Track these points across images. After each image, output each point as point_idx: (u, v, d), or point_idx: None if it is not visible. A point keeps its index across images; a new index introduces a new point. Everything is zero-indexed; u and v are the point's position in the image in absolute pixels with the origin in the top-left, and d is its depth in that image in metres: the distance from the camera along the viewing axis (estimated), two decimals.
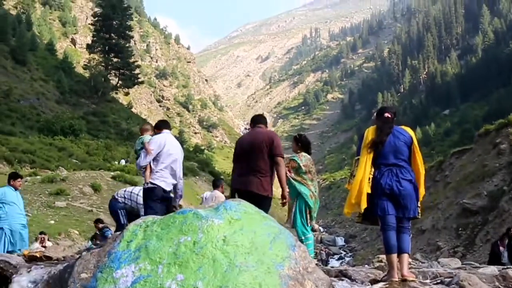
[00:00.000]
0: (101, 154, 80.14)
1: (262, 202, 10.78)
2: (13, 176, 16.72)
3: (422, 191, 9.50)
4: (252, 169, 11.09)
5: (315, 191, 12.51)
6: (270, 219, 8.88)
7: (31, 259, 10.17)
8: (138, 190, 14.15)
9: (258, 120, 12.21)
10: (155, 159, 12.02)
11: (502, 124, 60.58)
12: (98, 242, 20.57)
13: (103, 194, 50.76)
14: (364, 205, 9.20)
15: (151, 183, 11.99)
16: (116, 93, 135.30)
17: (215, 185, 15.15)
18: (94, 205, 45.49)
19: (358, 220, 10.00)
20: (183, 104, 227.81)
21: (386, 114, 9.57)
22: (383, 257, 14.39)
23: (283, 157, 11.40)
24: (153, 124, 14.15)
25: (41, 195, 47.29)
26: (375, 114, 9.95)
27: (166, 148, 11.97)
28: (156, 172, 11.96)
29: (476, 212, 52.15)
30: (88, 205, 46.32)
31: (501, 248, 27.89)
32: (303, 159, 12.50)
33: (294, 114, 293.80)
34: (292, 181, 12.27)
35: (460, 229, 51.74)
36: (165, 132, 12.49)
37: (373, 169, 9.23)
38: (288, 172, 12.23)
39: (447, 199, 56.19)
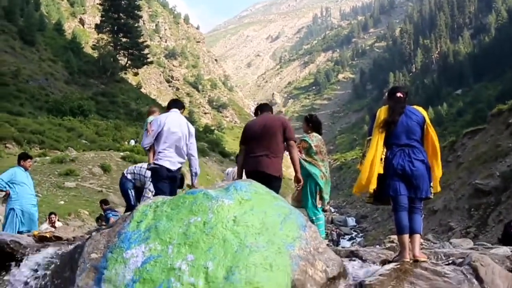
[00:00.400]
0: (111, 135, 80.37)
1: (274, 182, 10.97)
2: (23, 157, 16.78)
3: (439, 170, 9.50)
4: (265, 150, 11.23)
5: (326, 172, 12.52)
6: (280, 200, 8.91)
7: (41, 240, 10.21)
8: (147, 165, 14.15)
9: (265, 108, 12.43)
10: (157, 139, 12.04)
11: None
12: (103, 223, 20.68)
13: (112, 175, 50.93)
14: (373, 186, 9.22)
15: (155, 163, 12.04)
16: (125, 73, 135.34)
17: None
18: (104, 186, 45.61)
19: (369, 200, 10.01)
20: (192, 84, 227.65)
21: (398, 94, 9.57)
22: (394, 237, 14.43)
23: (295, 142, 11.50)
24: (165, 104, 14.12)
25: (50, 175, 47.48)
26: (386, 94, 9.92)
27: (167, 127, 11.95)
28: (160, 152, 11.99)
29: (489, 192, 52.00)
30: (98, 186, 46.46)
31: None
32: (314, 139, 12.50)
33: (304, 94, 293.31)
34: (303, 161, 12.27)
35: (473, 209, 51.66)
36: (172, 111, 12.46)
37: (385, 150, 9.23)
38: (299, 153, 12.24)
39: (460, 180, 56.12)
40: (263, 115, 12.24)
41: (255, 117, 12.15)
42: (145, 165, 15.58)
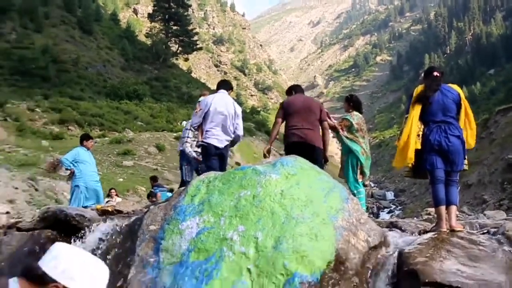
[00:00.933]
0: (164, 117, 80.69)
1: (317, 151, 11.32)
2: (85, 138, 17.01)
3: (473, 142, 9.49)
4: (309, 125, 11.40)
5: (366, 148, 12.53)
6: (324, 174, 8.96)
7: (104, 213, 10.36)
8: (195, 143, 14.12)
9: (299, 89, 12.65)
10: (205, 119, 12.10)
11: None
12: (153, 199, 20.83)
13: (166, 154, 51.37)
14: (411, 160, 9.24)
15: (203, 141, 12.12)
16: (177, 59, 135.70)
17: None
18: (159, 164, 45.92)
19: (407, 174, 10.04)
20: (239, 68, 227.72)
21: (435, 73, 9.56)
22: (431, 210, 14.36)
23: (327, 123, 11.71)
24: (214, 87, 14.16)
25: (109, 155, 47.99)
26: (423, 74, 9.90)
27: (213, 107, 12.00)
28: (207, 131, 12.06)
29: None
30: (153, 164, 46.83)
31: None
32: (355, 118, 12.50)
33: (344, 76, 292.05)
34: (344, 138, 12.31)
35: (505, 183, 51.30)
36: (220, 92, 12.48)
37: (422, 126, 9.23)
38: (340, 130, 12.29)
39: (493, 155, 55.67)
40: (300, 95, 12.44)
41: (289, 96, 12.16)
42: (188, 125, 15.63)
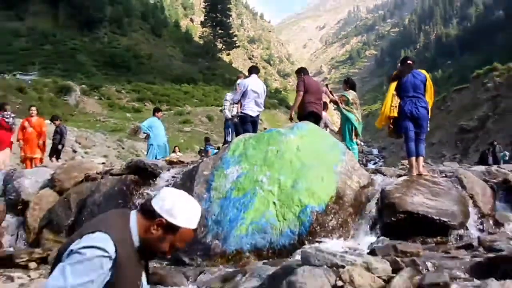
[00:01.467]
0: (212, 96, 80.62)
1: (320, 119, 11.48)
2: (157, 110, 17.04)
3: (430, 110, 9.50)
4: (318, 101, 11.56)
5: (359, 117, 12.51)
6: (328, 135, 9.02)
7: (170, 163, 10.39)
8: (235, 113, 14.08)
9: (306, 71, 12.63)
10: (243, 96, 12.14)
11: (489, 70, 60.21)
12: (202, 154, 21.13)
13: (214, 122, 51.70)
14: (387, 120, 9.47)
15: (242, 112, 12.18)
16: (221, 54, 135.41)
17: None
18: (209, 130, 46.16)
19: (389, 135, 10.02)
20: (266, 60, 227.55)
21: (408, 61, 9.57)
22: (405, 161, 14.28)
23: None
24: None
25: (174, 123, 48.30)
26: (400, 62, 9.86)
27: (250, 88, 12.01)
28: (244, 104, 12.08)
29: (470, 130, 51.81)
30: (205, 129, 47.10)
31: (487, 155, 28.14)
32: (351, 95, 12.45)
33: (342, 65, 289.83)
34: (343, 109, 12.28)
35: (458, 142, 51.47)
36: (253, 76, 12.49)
37: (399, 100, 9.21)
38: (340, 104, 12.27)
39: (449, 122, 55.46)
40: (312, 78, 12.69)
41: (303, 77, 12.20)
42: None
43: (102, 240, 2.40)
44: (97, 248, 2.37)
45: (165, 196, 2.59)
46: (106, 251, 2.38)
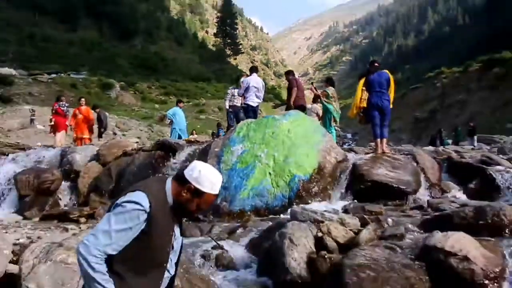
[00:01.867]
0: (223, 91, 79.81)
1: (304, 110, 11.33)
2: (179, 101, 17.04)
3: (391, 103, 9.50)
4: (303, 97, 11.58)
5: (337, 108, 12.47)
6: (313, 120, 8.96)
7: (189, 142, 10.38)
8: (240, 104, 13.96)
9: (293, 72, 12.83)
10: (246, 91, 12.08)
11: (438, 73, 60.39)
12: (215, 136, 21.23)
13: (224, 112, 51.16)
14: (357, 109, 9.46)
15: (245, 103, 12.14)
16: (229, 59, 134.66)
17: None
18: (220, 118, 45.86)
19: (360, 122, 9.99)
20: (265, 64, 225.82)
21: (375, 63, 9.51)
22: (372, 143, 14.28)
23: None
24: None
25: (192, 112, 48.24)
26: (368, 64, 9.78)
27: (251, 84, 11.96)
28: (247, 97, 12.02)
29: (422, 120, 52.04)
30: (217, 118, 46.83)
31: (435, 139, 28.48)
32: (330, 90, 12.40)
33: (324, 68, 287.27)
34: (324, 102, 12.25)
35: (413, 129, 51.44)
36: (253, 74, 12.44)
37: (367, 94, 9.16)
38: (322, 97, 12.25)
39: (407, 114, 55.36)
40: (298, 78, 12.64)
41: (291, 77, 12.27)
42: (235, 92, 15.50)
43: (140, 197, 2.47)
44: (135, 203, 2.45)
45: (194, 167, 2.60)
46: (142, 206, 2.45)
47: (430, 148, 13.42)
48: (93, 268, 2.39)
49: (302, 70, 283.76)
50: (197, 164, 2.65)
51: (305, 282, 4.06)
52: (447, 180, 8.62)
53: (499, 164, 9.00)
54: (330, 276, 3.91)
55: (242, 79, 13.52)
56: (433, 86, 58.07)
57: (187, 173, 2.60)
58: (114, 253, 2.45)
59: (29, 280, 4.23)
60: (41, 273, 4.27)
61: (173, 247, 2.73)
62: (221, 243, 5.27)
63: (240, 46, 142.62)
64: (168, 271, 2.75)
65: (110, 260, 2.46)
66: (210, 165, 2.73)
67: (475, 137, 26.05)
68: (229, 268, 4.77)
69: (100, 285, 2.40)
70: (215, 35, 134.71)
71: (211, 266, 4.80)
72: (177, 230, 2.75)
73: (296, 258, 4.16)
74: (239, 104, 13.74)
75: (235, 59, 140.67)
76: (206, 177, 2.58)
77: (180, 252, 2.88)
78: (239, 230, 5.85)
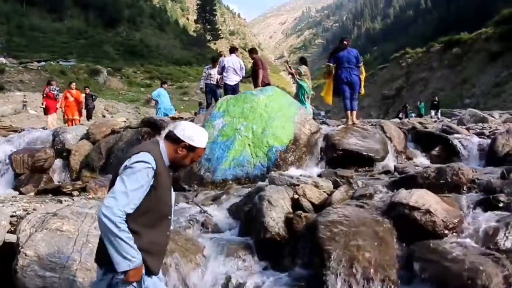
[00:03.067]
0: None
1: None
2: (163, 82, 16.88)
3: (363, 84, 9.47)
4: (267, 73, 11.60)
5: (310, 84, 12.44)
6: (288, 95, 8.92)
7: (173, 119, 10.32)
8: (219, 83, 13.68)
9: (256, 51, 12.88)
10: (223, 70, 11.91)
11: (403, 53, 60.58)
12: (196, 114, 21.14)
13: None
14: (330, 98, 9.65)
15: (224, 82, 12.00)
16: (209, 43, 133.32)
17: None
18: (202, 99, 45.63)
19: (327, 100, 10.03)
20: (243, 48, 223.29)
21: (345, 41, 9.47)
22: (344, 120, 14.39)
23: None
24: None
25: (176, 94, 47.79)
26: (339, 41, 9.76)
27: (227, 65, 11.78)
28: (225, 76, 11.85)
29: (389, 97, 52.29)
30: (199, 99, 46.65)
31: (400, 113, 28.73)
32: (303, 68, 12.35)
33: (298, 51, 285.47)
34: (298, 80, 12.22)
35: (381, 106, 51.77)
36: (232, 55, 12.28)
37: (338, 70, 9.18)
38: (296, 75, 12.19)
39: (375, 91, 55.58)
40: (260, 57, 12.42)
41: (255, 55, 12.19)
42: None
43: (146, 156, 2.61)
44: (143, 162, 2.58)
45: (185, 126, 2.78)
46: (149, 164, 2.59)
47: (396, 120, 13.58)
48: (119, 228, 2.49)
49: (278, 53, 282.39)
50: (186, 124, 2.82)
51: (283, 239, 4.13)
52: (412, 148, 8.74)
53: (458, 133, 9.16)
54: (305, 232, 3.97)
55: (220, 59, 13.35)
56: (398, 66, 58.34)
57: (179, 133, 2.75)
58: (131, 211, 2.56)
59: (26, 248, 4.20)
60: (38, 241, 4.24)
61: (170, 201, 2.88)
62: (205, 208, 5.29)
63: (219, 32, 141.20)
64: (172, 223, 2.92)
65: (126, 219, 2.57)
66: (195, 124, 2.90)
67: (439, 111, 26.44)
68: (214, 231, 4.80)
69: (125, 242, 2.51)
70: (196, 21, 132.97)
71: (197, 229, 4.82)
72: (172, 186, 2.91)
73: (274, 218, 4.20)
74: (214, 82, 13.52)
75: (215, 43, 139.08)
76: (197, 134, 2.76)
77: (173, 206, 3.01)
78: (222, 197, 5.87)
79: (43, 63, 54.56)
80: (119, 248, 2.50)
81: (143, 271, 2.63)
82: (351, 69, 9.00)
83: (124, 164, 2.63)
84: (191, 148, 2.74)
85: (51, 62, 57.24)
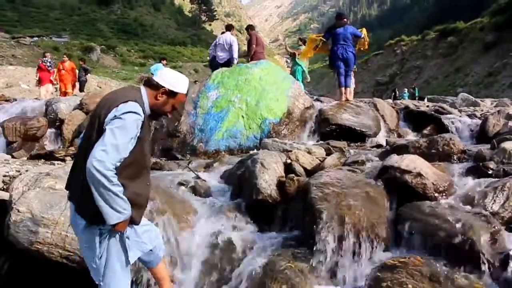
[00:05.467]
0: (198, 54, 79.10)
1: None
2: (162, 59, 17.01)
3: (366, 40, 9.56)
4: (263, 50, 11.73)
5: (307, 65, 12.55)
6: (282, 69, 8.92)
7: None
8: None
9: (253, 28, 12.70)
10: (215, 47, 11.83)
11: (398, 40, 60.38)
12: None
13: (200, 74, 50.92)
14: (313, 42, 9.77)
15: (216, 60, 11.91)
16: (204, 24, 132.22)
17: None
18: (196, 79, 45.53)
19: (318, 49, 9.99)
20: (238, 30, 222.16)
21: (344, 19, 9.45)
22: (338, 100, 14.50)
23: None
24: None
25: None
26: (335, 17, 9.71)
27: (220, 42, 11.69)
28: (216, 54, 11.72)
29: (383, 83, 52.25)
30: (193, 79, 46.37)
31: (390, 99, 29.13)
32: (302, 48, 12.42)
33: (294, 35, 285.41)
34: (297, 59, 12.30)
35: (375, 91, 51.80)
36: (226, 33, 12.15)
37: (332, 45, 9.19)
38: (297, 55, 12.28)
39: (369, 77, 55.80)
40: (257, 33, 12.40)
41: (251, 31, 12.14)
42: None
43: (135, 107, 2.53)
44: (133, 113, 2.50)
45: (164, 73, 2.72)
46: (139, 115, 2.52)
47: (389, 100, 13.65)
48: (111, 182, 2.46)
49: (273, 37, 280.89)
50: (166, 70, 2.77)
51: (274, 201, 4.16)
52: (404, 127, 8.81)
53: (450, 114, 9.23)
54: (297, 194, 4.01)
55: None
56: (393, 53, 58.34)
57: (159, 78, 2.69)
58: (120, 163, 2.50)
59: (19, 204, 4.20)
60: (31, 198, 4.25)
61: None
62: (198, 173, 5.32)
63: (215, 13, 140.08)
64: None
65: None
66: (175, 71, 2.84)
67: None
68: (206, 195, 4.83)
69: (117, 196, 2.49)
70: (191, 1, 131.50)
71: (189, 193, 4.85)
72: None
73: (267, 180, 4.23)
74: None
75: (210, 25, 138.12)
76: (177, 79, 2.71)
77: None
78: (215, 164, 5.90)
79: (35, 38, 53.86)
80: (110, 201, 2.48)
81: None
82: (347, 46, 8.99)
83: (112, 114, 2.51)
84: (171, 94, 2.69)
85: (44, 37, 56.56)
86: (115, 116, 2.49)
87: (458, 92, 37.49)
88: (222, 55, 11.65)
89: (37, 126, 9.37)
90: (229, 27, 12.40)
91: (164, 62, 16.54)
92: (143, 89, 2.70)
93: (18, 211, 4.11)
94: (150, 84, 2.70)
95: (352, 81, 9.43)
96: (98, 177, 2.42)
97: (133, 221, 2.68)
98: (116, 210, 2.50)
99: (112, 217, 2.51)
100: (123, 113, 2.49)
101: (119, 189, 2.49)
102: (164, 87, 2.66)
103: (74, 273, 3.73)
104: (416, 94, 29.72)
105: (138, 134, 2.54)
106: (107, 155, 2.42)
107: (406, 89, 32.12)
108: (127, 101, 2.53)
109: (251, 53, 11.32)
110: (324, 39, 9.44)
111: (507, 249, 2.85)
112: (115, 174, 2.47)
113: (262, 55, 11.43)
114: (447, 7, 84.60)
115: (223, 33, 12.37)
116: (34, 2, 76.86)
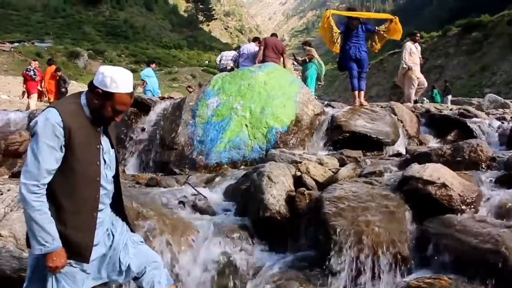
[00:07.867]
0: (195, 58, 79.63)
1: None
2: (150, 62, 17.00)
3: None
4: (276, 54, 11.55)
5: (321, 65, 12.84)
6: (289, 73, 8.98)
7: (162, 98, 10.32)
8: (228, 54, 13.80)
9: (274, 35, 13.23)
10: (241, 57, 12.16)
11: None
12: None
13: (197, 79, 51.12)
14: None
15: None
16: (202, 25, 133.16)
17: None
18: (191, 84, 45.94)
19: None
20: (239, 30, 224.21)
21: (356, 18, 9.45)
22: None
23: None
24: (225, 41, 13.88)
25: (164, 80, 47.89)
26: (347, 9, 9.87)
27: (242, 51, 12.17)
28: (242, 64, 11.90)
29: (400, 86, 51.82)
30: (188, 85, 47.02)
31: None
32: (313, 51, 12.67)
33: (300, 34, 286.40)
34: (316, 62, 12.67)
35: (391, 95, 51.59)
36: (251, 43, 12.47)
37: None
38: (314, 57, 12.70)
39: (385, 79, 55.70)
40: (274, 38, 12.51)
41: (266, 37, 12.35)
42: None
43: (49, 113, 2.48)
44: (45, 120, 2.45)
45: (99, 71, 2.60)
46: (52, 120, 2.44)
47: (408, 105, 13.64)
48: (33, 207, 2.42)
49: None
50: (101, 68, 2.65)
51: (284, 218, 4.15)
52: (425, 133, 8.80)
53: (476, 117, 9.22)
54: (309, 210, 4.01)
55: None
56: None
57: (95, 79, 2.60)
58: (49, 178, 2.45)
59: (1, 228, 4.23)
60: (14, 220, 4.28)
61: (105, 161, 2.73)
62: (199, 189, 5.33)
63: (213, 12, 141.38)
64: (105, 187, 2.75)
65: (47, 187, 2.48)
66: (117, 67, 2.74)
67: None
68: (207, 213, 4.83)
69: (38, 224, 2.44)
70: (187, 0, 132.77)
71: (189, 211, 4.86)
72: (105, 143, 2.76)
73: (275, 195, 4.23)
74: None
75: (208, 25, 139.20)
76: (111, 77, 2.56)
77: (117, 167, 2.90)
78: (216, 179, 5.91)
79: (16, 44, 54.44)
80: (33, 229, 2.45)
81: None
82: (359, 45, 9.02)
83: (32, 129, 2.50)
84: (105, 95, 2.56)
85: (25, 43, 57.11)
86: (33, 131, 2.49)
87: (485, 93, 37.40)
88: (246, 65, 11.89)
89: (19, 141, 9.40)
90: (254, 39, 12.71)
91: (153, 65, 16.69)
92: (84, 93, 2.66)
93: (0, 235, 4.14)
94: (88, 86, 2.64)
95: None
96: (22, 200, 2.45)
97: (77, 254, 2.60)
98: (37, 240, 2.46)
99: (34, 247, 2.48)
100: (36, 122, 2.49)
101: (43, 217, 2.45)
102: (97, 88, 2.57)
103: None
104: (438, 100, 29.00)
105: (63, 143, 2.48)
106: (28, 175, 2.41)
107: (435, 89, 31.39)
108: (46, 109, 2.56)
109: (259, 58, 11.37)
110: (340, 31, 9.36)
111: None
112: (41, 195, 2.44)
113: (276, 61, 11.37)
114: (469, 0, 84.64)
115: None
116: (14, 4, 77.58)
